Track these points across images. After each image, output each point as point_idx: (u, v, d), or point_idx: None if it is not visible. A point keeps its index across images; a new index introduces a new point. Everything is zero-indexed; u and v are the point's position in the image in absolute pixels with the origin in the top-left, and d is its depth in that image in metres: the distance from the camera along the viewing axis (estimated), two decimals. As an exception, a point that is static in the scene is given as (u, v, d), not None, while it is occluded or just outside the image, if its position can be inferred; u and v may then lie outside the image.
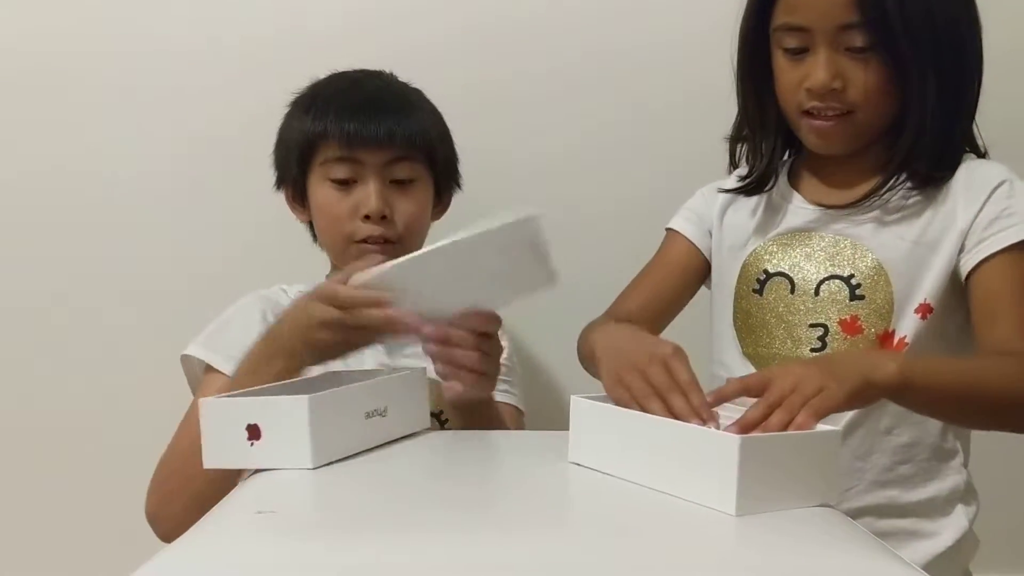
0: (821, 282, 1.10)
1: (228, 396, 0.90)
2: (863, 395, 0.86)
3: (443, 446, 1.01)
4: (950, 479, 1.10)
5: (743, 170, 1.19)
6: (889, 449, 1.08)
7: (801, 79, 1.06)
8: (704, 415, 0.83)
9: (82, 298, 1.54)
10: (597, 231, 1.51)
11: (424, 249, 0.97)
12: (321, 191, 1.22)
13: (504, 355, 1.12)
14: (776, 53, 1.09)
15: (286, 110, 1.27)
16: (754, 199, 1.18)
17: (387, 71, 1.29)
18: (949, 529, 1.09)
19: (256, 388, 0.95)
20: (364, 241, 1.21)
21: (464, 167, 1.33)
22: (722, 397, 0.85)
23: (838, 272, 1.09)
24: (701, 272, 1.22)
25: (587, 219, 1.51)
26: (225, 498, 0.81)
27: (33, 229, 1.53)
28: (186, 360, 1.21)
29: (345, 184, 1.21)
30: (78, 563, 1.51)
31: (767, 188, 1.16)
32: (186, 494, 1.07)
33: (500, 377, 1.11)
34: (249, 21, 1.51)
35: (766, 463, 0.74)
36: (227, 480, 1.03)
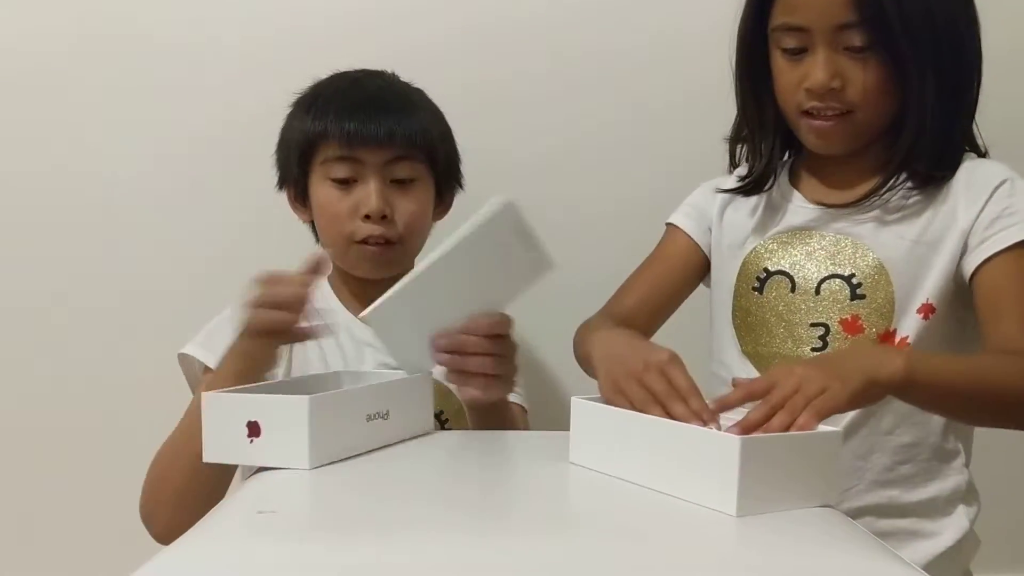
0: (822, 281, 1.10)
1: (230, 391, 0.90)
2: (867, 394, 0.86)
3: (443, 447, 1.01)
4: (951, 479, 1.10)
5: (743, 170, 1.19)
6: (890, 449, 1.08)
7: (800, 79, 1.06)
8: (705, 418, 0.83)
9: (82, 298, 1.54)
10: (597, 231, 1.51)
11: (416, 271, 0.99)
12: (322, 191, 1.22)
13: None
14: (775, 53, 1.09)
15: (288, 110, 1.27)
16: (754, 197, 1.18)
17: (389, 71, 1.29)
18: (950, 529, 1.09)
19: (259, 385, 0.95)
20: (364, 241, 1.21)
21: (464, 167, 1.33)
22: (726, 405, 0.85)
23: (839, 271, 1.09)
24: (700, 269, 1.22)
25: (587, 219, 1.51)
26: (225, 498, 0.81)
27: (33, 229, 1.53)
28: (184, 359, 1.22)
29: (345, 184, 1.21)
30: (78, 563, 1.51)
31: (766, 188, 1.16)
32: (175, 495, 1.07)
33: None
34: (249, 21, 1.51)
35: (767, 464, 0.74)
36: (215, 480, 1.04)
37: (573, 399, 0.91)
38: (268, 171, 1.30)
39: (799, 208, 1.14)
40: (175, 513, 1.06)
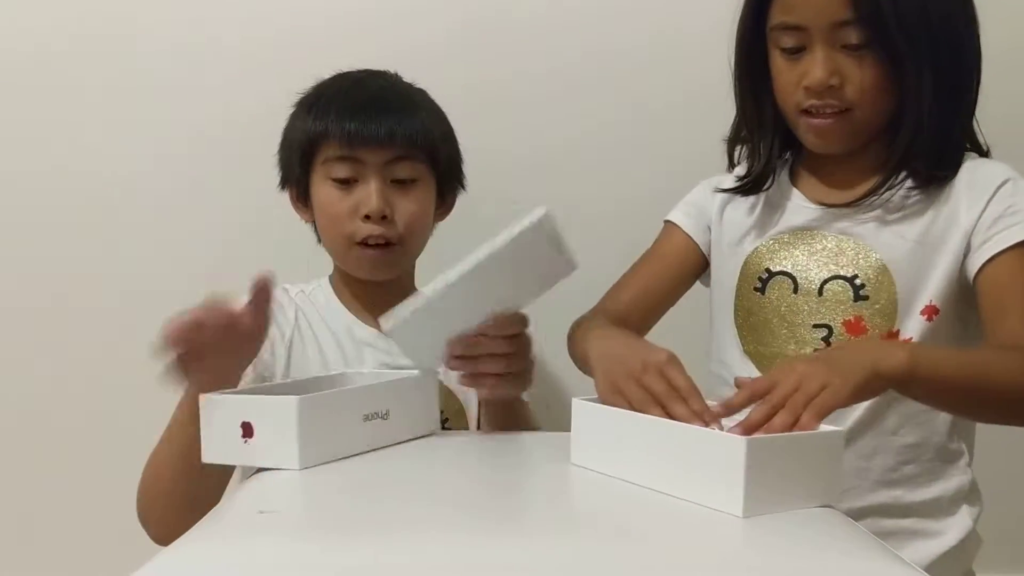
0: (825, 282, 1.10)
1: (225, 393, 0.91)
2: (869, 388, 0.86)
3: (444, 447, 1.01)
4: (955, 479, 1.10)
5: (741, 169, 1.19)
6: (895, 449, 1.07)
7: (799, 78, 1.06)
8: (706, 419, 0.83)
9: (82, 298, 1.54)
10: (597, 230, 1.51)
11: (443, 281, 0.97)
12: (323, 190, 1.22)
13: None
14: (773, 53, 1.09)
15: (288, 110, 1.27)
16: (754, 196, 1.17)
17: (392, 71, 1.29)
18: (954, 529, 1.09)
19: (258, 387, 0.96)
20: (364, 243, 1.21)
21: (464, 167, 1.32)
22: (732, 408, 0.84)
23: (841, 272, 1.09)
24: (697, 267, 1.22)
25: (587, 218, 1.51)
26: (225, 498, 0.81)
27: (33, 229, 1.53)
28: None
29: (346, 183, 1.21)
30: (78, 563, 1.51)
31: (764, 188, 1.16)
32: (165, 497, 1.08)
33: None
34: (249, 21, 1.51)
35: (772, 464, 0.74)
36: (204, 482, 1.04)
37: (574, 400, 0.91)
38: (268, 171, 1.30)
39: (800, 207, 1.14)
40: (166, 514, 1.07)
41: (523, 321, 1.04)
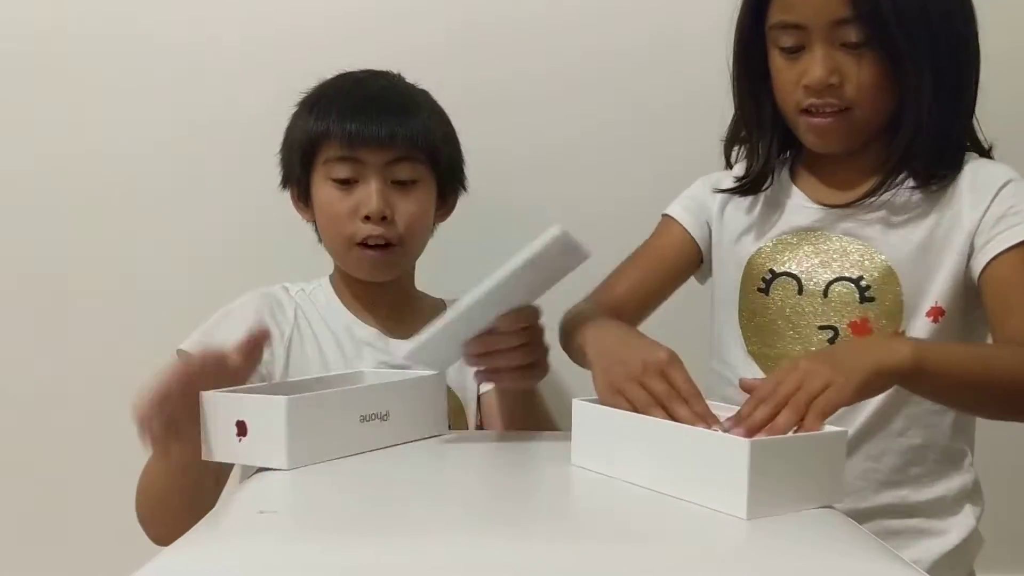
0: (830, 284, 1.09)
1: (223, 391, 0.91)
2: (873, 385, 0.86)
3: (445, 447, 1.01)
4: (959, 479, 1.10)
5: (739, 169, 1.18)
6: (901, 450, 1.07)
7: (798, 77, 1.05)
8: (709, 421, 0.83)
9: (82, 298, 1.54)
10: (597, 230, 1.49)
11: (459, 307, 0.97)
12: (323, 191, 1.22)
13: None
14: (772, 52, 1.09)
15: (289, 110, 1.27)
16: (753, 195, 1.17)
17: (394, 72, 1.29)
18: (957, 528, 1.09)
19: (257, 385, 0.96)
20: (364, 243, 1.20)
21: (464, 167, 1.32)
22: (742, 421, 0.82)
23: (846, 274, 1.09)
24: (693, 262, 1.22)
25: (587, 218, 1.49)
26: (225, 498, 0.81)
27: (33, 229, 1.53)
28: (182, 356, 1.21)
29: (346, 184, 1.21)
30: (78, 563, 1.50)
31: (763, 188, 1.16)
32: (160, 498, 1.08)
33: None
34: (249, 21, 1.51)
35: (775, 465, 0.74)
36: (198, 483, 1.04)
37: (574, 401, 0.91)
38: (268, 171, 1.30)
39: (802, 207, 1.14)
40: (164, 516, 1.08)
41: (535, 313, 1.04)
